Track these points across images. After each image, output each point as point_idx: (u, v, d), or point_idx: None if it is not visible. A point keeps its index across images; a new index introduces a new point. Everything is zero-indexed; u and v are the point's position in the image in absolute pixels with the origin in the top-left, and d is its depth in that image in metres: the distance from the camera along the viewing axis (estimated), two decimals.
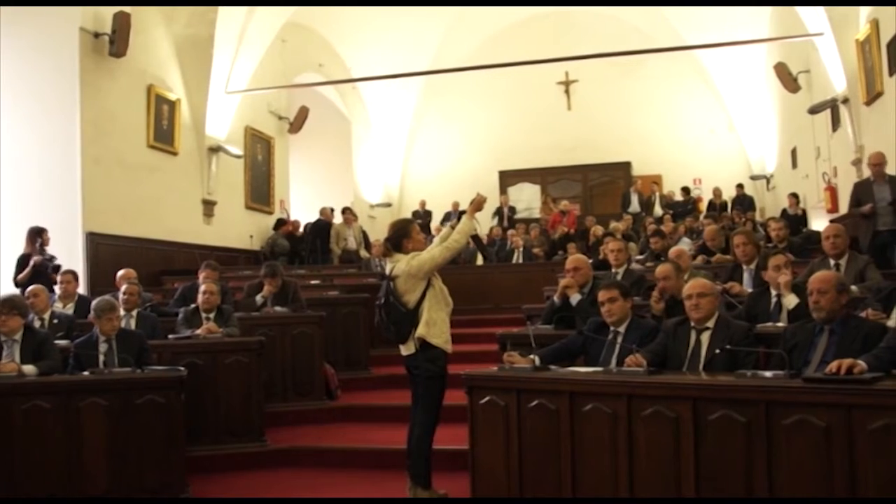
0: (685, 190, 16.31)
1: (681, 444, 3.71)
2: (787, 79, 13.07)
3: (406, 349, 5.07)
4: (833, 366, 3.53)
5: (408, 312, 4.99)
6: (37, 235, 8.40)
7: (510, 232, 14.49)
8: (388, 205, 19.18)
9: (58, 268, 8.36)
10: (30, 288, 7.07)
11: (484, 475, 4.48)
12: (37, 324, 6.66)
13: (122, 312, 6.83)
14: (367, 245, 13.80)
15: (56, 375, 5.58)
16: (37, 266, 8.28)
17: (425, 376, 4.99)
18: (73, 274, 7.88)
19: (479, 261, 13.27)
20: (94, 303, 5.95)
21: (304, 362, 7.42)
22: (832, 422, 3.32)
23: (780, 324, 5.07)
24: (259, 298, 7.93)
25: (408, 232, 5.20)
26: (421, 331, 4.95)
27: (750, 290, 6.13)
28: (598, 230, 12.99)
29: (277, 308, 7.81)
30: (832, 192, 11.65)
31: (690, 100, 18.29)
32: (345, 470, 5.95)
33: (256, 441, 6.36)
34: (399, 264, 5.07)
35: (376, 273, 10.77)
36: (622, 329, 4.92)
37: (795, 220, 12.39)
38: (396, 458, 5.39)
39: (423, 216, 17.19)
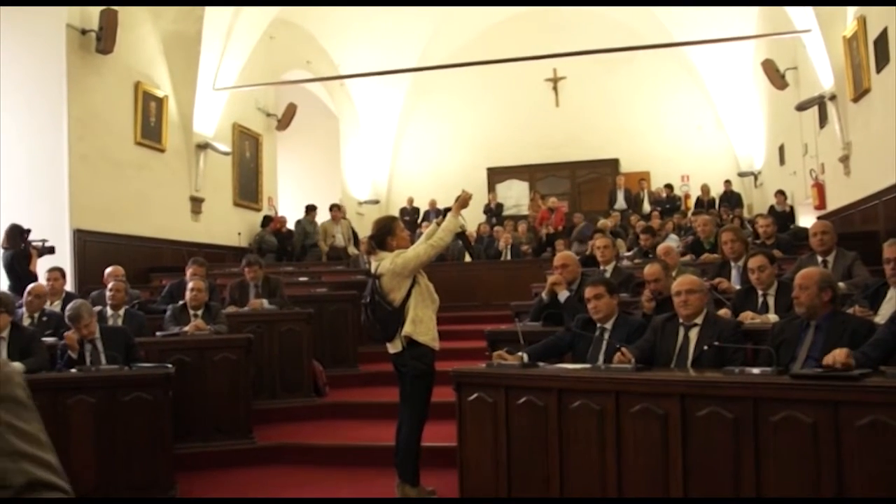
0: (668, 187, 16.35)
1: (669, 440, 3.73)
2: (775, 75, 13.11)
3: (393, 347, 5.06)
4: (828, 359, 3.54)
5: (394, 311, 4.98)
6: (21, 235, 8.34)
7: (497, 229, 14.49)
8: (376, 202, 19.16)
9: (52, 249, 8.52)
10: (32, 286, 7.05)
11: (472, 472, 4.50)
12: (26, 321, 6.63)
13: (109, 311, 6.83)
14: (356, 242, 13.78)
15: (43, 373, 5.56)
16: (41, 252, 8.31)
17: (412, 374, 4.99)
18: (61, 271, 7.84)
19: (468, 258, 13.27)
20: (66, 311, 5.91)
21: (292, 359, 7.41)
22: (819, 418, 3.33)
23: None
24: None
25: (392, 230, 5.17)
26: (407, 329, 4.94)
27: (738, 286, 6.15)
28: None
29: (265, 303, 7.80)
30: (819, 188, 11.69)
31: (678, 96, 18.33)
32: (333, 467, 5.94)
33: (244, 438, 6.34)
34: (384, 262, 5.05)
35: (364, 270, 10.75)
36: (609, 326, 4.94)
37: (783, 216, 12.43)
38: (384, 454, 5.39)
39: (411, 213, 17.18)
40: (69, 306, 5.96)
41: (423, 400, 5.03)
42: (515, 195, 18.94)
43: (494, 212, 16.80)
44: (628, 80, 18.27)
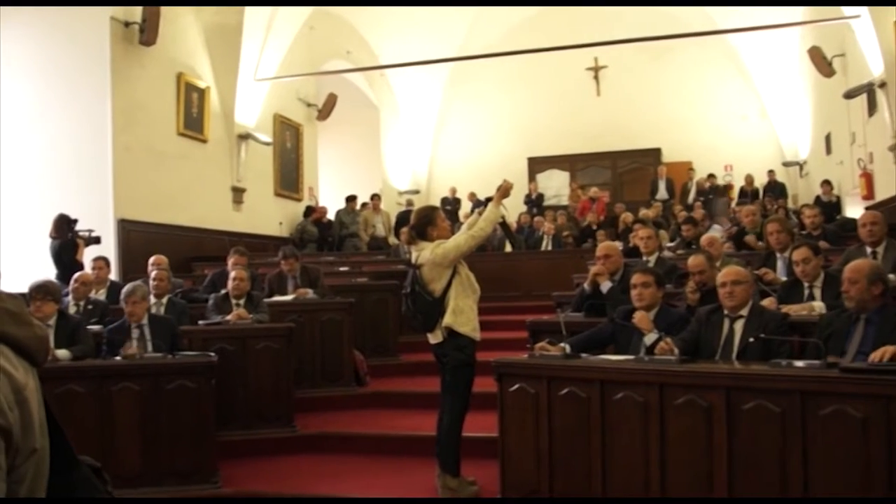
0: (711, 177, 16.14)
1: (713, 433, 3.67)
2: (822, 63, 12.86)
3: (434, 338, 5.04)
4: (876, 355, 3.45)
5: (434, 301, 4.94)
6: (68, 225, 8.49)
7: (538, 219, 14.42)
8: (417, 192, 19.15)
9: (98, 239, 8.65)
10: (79, 274, 7.18)
11: (513, 463, 4.47)
12: (72, 309, 6.74)
13: (152, 299, 6.91)
14: (397, 231, 13.81)
15: (89, 360, 5.65)
16: (88, 242, 8.46)
17: (453, 365, 4.96)
18: (105, 260, 7.97)
19: (508, 248, 13.22)
20: (126, 287, 6.04)
21: (333, 348, 7.42)
22: (870, 413, 3.26)
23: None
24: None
25: (432, 219, 5.14)
26: (448, 319, 4.91)
27: (784, 278, 6.05)
28: (628, 217, 12.88)
29: (311, 293, 7.83)
30: (868, 178, 11.46)
31: (722, 85, 18.05)
32: (374, 456, 5.94)
33: (286, 426, 6.38)
34: (424, 252, 5.02)
35: (405, 260, 10.75)
36: (651, 316, 4.88)
37: (829, 207, 12.21)
38: (425, 444, 5.37)
39: (453, 203, 17.14)
40: (131, 283, 6.08)
41: (464, 390, 5.00)
42: (556, 185, 18.84)
43: (535, 202, 16.71)
44: (670, 69, 18.03)
